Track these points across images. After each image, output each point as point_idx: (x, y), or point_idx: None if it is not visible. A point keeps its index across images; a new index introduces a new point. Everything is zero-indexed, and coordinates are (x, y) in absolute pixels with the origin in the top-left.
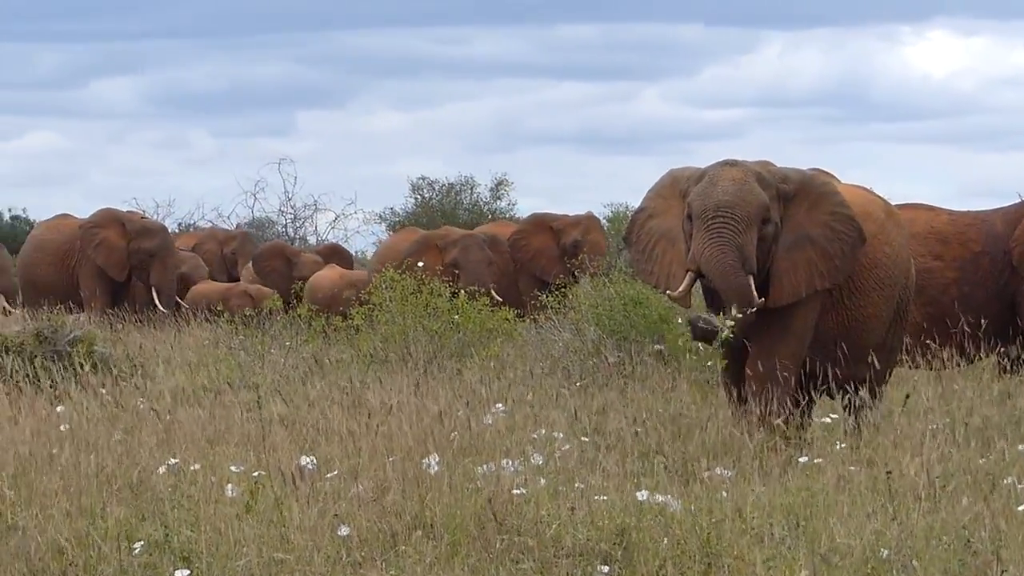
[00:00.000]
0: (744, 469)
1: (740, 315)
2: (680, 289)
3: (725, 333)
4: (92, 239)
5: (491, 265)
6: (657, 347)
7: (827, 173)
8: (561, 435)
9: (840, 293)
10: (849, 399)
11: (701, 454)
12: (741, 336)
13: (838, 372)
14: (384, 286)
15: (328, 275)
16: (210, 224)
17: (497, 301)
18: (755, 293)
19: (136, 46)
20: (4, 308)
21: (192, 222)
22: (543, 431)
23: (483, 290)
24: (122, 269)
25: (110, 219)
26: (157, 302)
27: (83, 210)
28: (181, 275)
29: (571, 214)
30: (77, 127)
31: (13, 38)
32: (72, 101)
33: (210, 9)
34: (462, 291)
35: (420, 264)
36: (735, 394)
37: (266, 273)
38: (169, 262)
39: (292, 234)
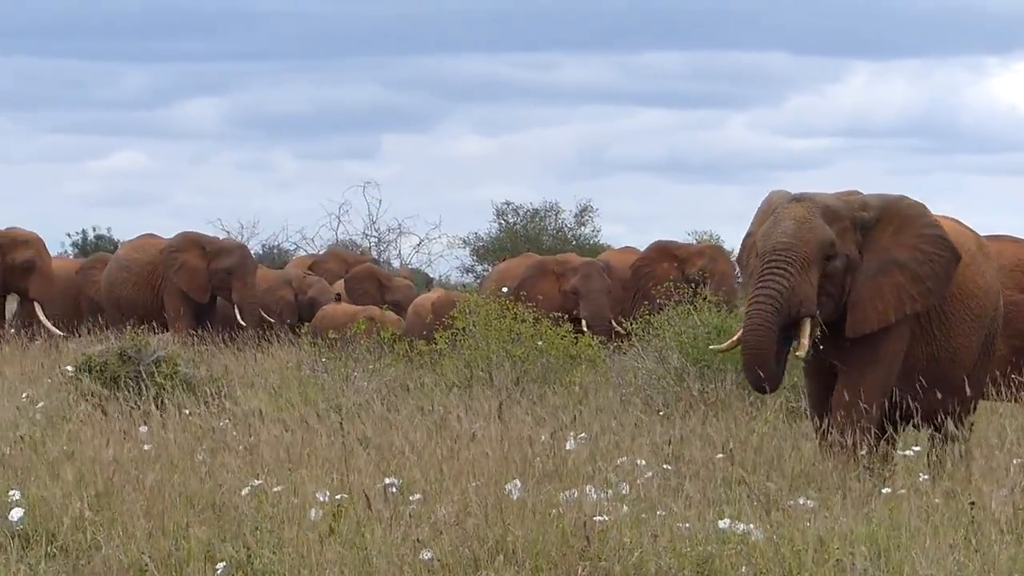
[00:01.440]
0: (827, 499)
1: (804, 352)
2: (731, 341)
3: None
4: (173, 263)
5: (610, 294)
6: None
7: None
8: (643, 462)
9: (930, 324)
10: (934, 431)
11: (784, 483)
12: (827, 365)
13: (924, 404)
14: (468, 311)
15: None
16: (294, 246)
17: (620, 333)
18: (769, 374)
19: (222, 67)
20: (43, 322)
21: (276, 243)
22: (625, 458)
23: (604, 324)
24: (204, 291)
25: (189, 242)
26: (240, 318)
27: (168, 230)
28: (309, 299)
29: (693, 243)
30: (162, 147)
31: (100, 57)
32: (158, 121)
33: (296, 31)
34: (583, 320)
35: (504, 290)
36: (821, 424)
37: (358, 296)
38: (249, 279)
39: (376, 257)
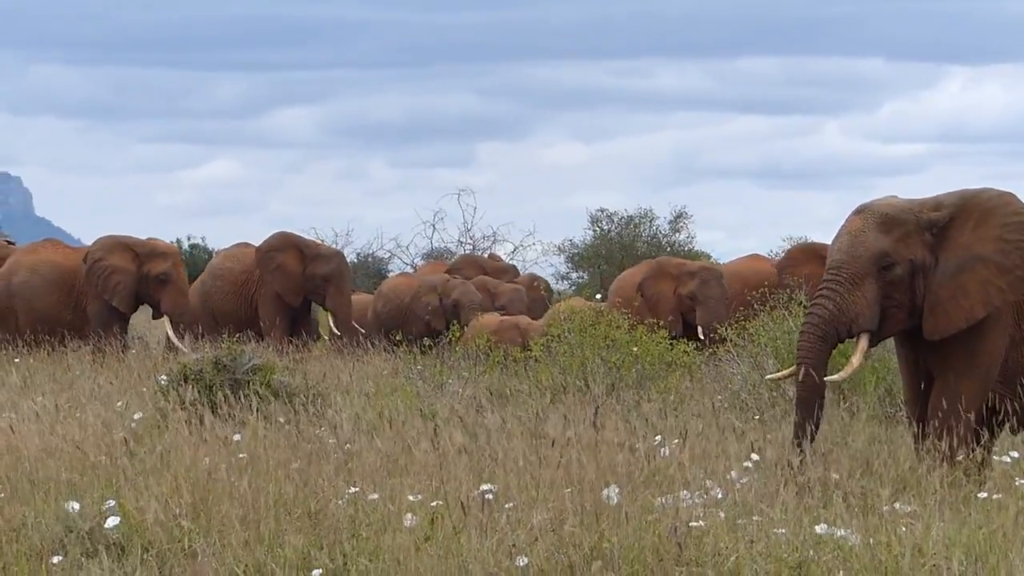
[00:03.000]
0: (925, 504)
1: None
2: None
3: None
4: (270, 263)
5: (727, 301)
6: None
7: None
8: (749, 464)
9: None
10: None
11: (881, 488)
12: (924, 370)
13: (1023, 408)
14: (563, 317)
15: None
16: (388, 255)
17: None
18: (812, 419)
19: (316, 76)
20: (168, 335)
21: (370, 252)
22: (722, 464)
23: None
24: (298, 295)
25: (288, 244)
26: (332, 325)
27: (262, 239)
28: (453, 302)
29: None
30: (257, 156)
31: (195, 67)
32: (253, 131)
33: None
34: (699, 327)
35: (598, 297)
36: (918, 429)
37: None
38: (345, 288)
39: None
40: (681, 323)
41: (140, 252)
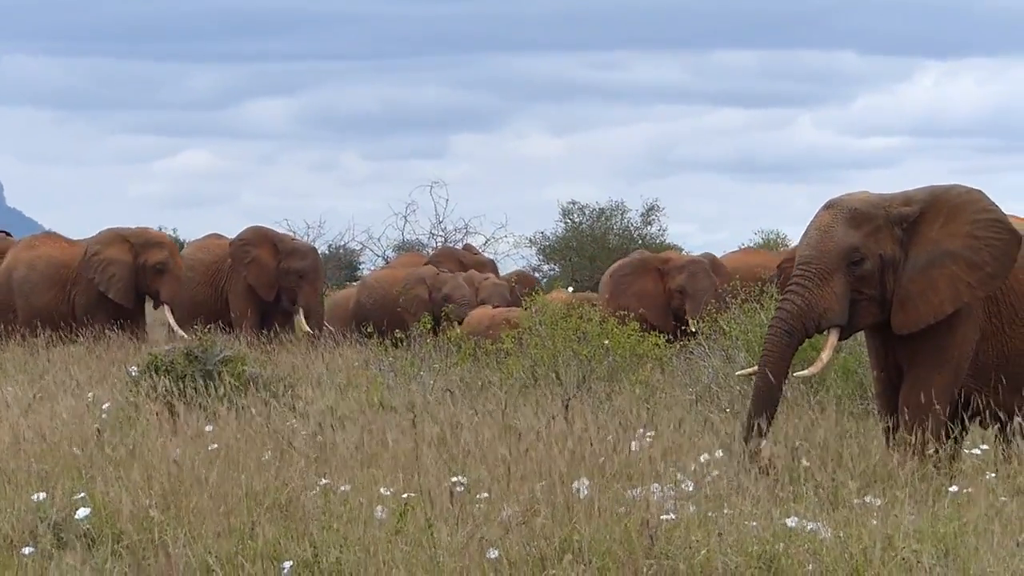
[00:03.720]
0: (895, 497)
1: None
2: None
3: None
4: (244, 256)
5: (717, 293)
6: (802, 373)
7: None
8: (715, 456)
9: (1001, 321)
10: (1000, 428)
11: (852, 481)
12: (894, 364)
13: (993, 401)
14: (534, 310)
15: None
16: (360, 246)
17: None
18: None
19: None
20: (170, 324)
21: (342, 243)
22: (697, 457)
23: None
24: (271, 289)
25: (261, 237)
26: (303, 325)
27: (234, 231)
28: (443, 296)
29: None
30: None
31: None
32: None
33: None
34: (689, 319)
35: (570, 289)
36: (888, 422)
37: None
38: (318, 284)
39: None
40: (671, 318)
41: (136, 243)
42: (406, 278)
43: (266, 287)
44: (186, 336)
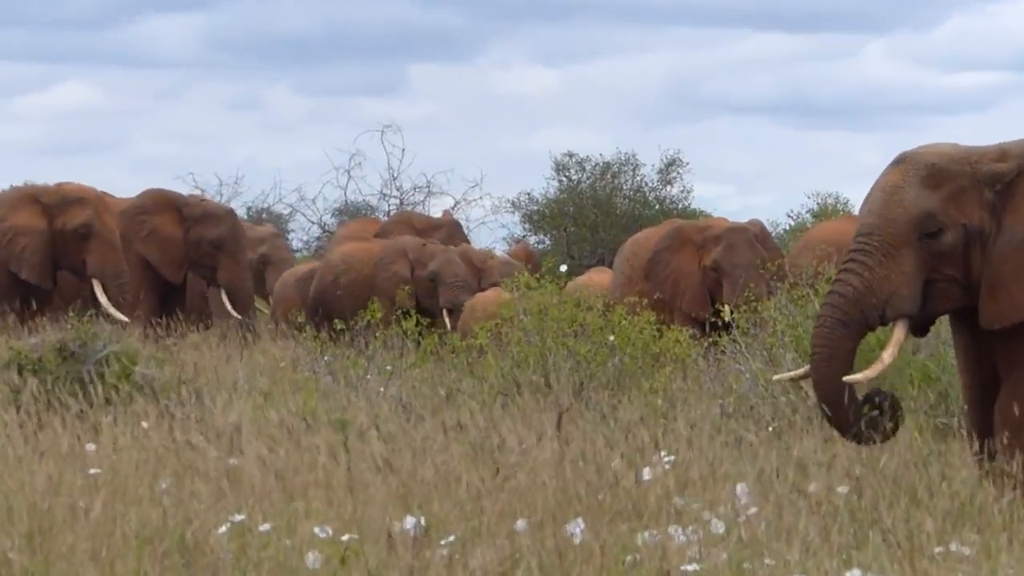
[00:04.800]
0: (988, 542)
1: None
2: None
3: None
4: (139, 229)
5: (761, 270)
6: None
7: None
8: (747, 494)
9: None
10: None
11: (932, 523)
12: (989, 371)
13: None
14: (516, 295)
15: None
16: (289, 209)
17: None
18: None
19: None
20: (102, 303)
21: (266, 206)
22: (724, 489)
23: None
24: (180, 267)
25: (162, 203)
26: (229, 307)
27: (125, 188)
28: (430, 276)
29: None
30: (120, 78)
31: None
32: (114, 44)
33: None
34: (724, 306)
35: (563, 268)
36: (981, 445)
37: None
38: (241, 256)
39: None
40: (709, 304)
41: (48, 203)
42: (383, 252)
43: (172, 265)
44: (127, 320)
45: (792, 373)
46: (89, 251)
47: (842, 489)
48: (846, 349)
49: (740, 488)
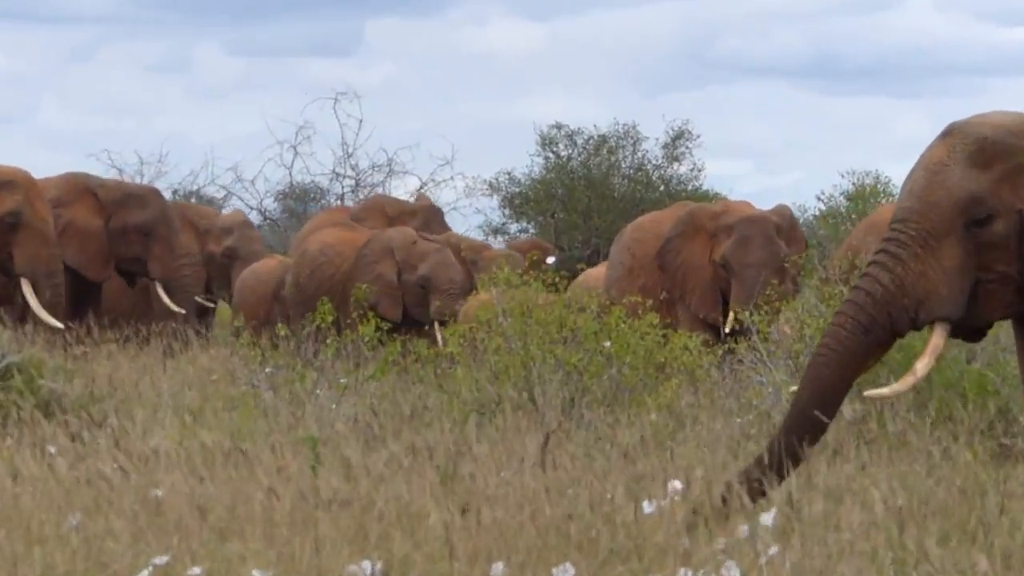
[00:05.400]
0: None
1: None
2: None
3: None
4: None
5: (783, 268)
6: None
7: None
8: (768, 530)
9: None
10: None
11: (988, 563)
12: None
13: None
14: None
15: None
16: (223, 192)
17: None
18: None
19: None
20: (31, 306)
21: (195, 188)
22: (741, 524)
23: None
24: (104, 263)
25: (76, 189)
26: (167, 302)
27: (30, 165)
28: (420, 280)
29: None
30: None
31: None
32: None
33: None
34: (731, 312)
35: (550, 260)
36: None
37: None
38: (174, 241)
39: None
40: (720, 305)
41: None
42: (365, 248)
43: (96, 263)
44: (57, 324)
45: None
46: (17, 244)
47: (882, 524)
48: (858, 358)
49: (761, 522)
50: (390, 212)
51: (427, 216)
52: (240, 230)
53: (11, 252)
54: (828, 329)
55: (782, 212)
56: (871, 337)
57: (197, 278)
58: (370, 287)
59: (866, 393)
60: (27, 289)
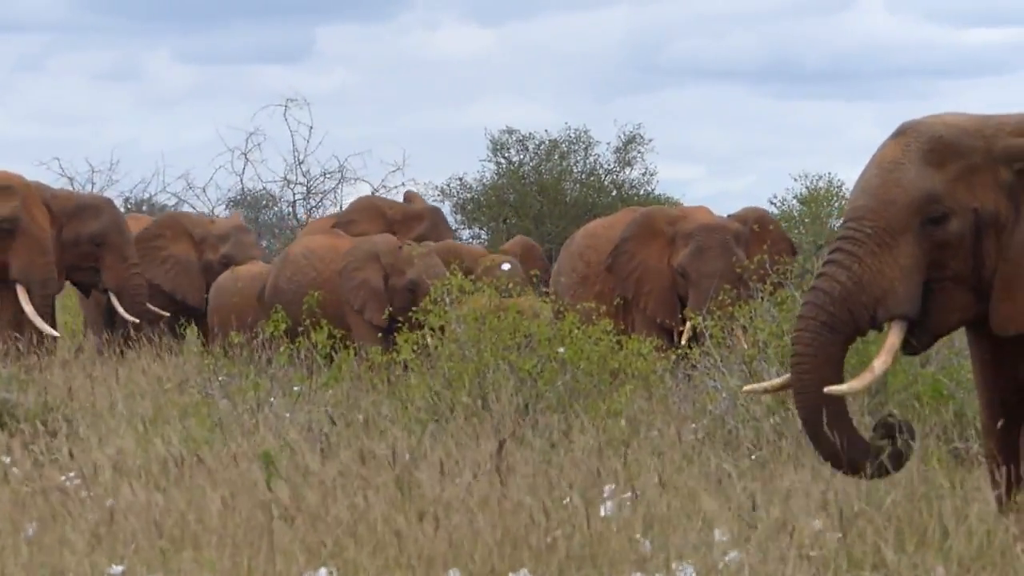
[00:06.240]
0: None
1: None
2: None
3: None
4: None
5: (739, 275)
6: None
7: None
8: (724, 536)
9: None
10: None
11: (944, 569)
12: (1011, 385)
13: None
14: (446, 299)
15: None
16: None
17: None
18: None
19: None
20: (27, 313)
21: (147, 196)
22: (696, 529)
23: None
24: (57, 277)
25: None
26: (121, 311)
27: None
28: (408, 285)
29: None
30: None
31: None
32: None
33: None
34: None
35: (506, 266)
36: (1003, 474)
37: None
38: (128, 250)
39: (304, 216)
40: (678, 310)
41: None
42: (350, 252)
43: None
44: (53, 332)
45: (769, 383)
46: (12, 251)
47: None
48: (835, 356)
49: (717, 529)
50: (390, 214)
51: (434, 221)
52: (235, 236)
53: (6, 258)
54: (795, 334)
55: (746, 217)
56: (837, 335)
57: (144, 287)
58: (355, 293)
59: (826, 389)
60: (22, 296)
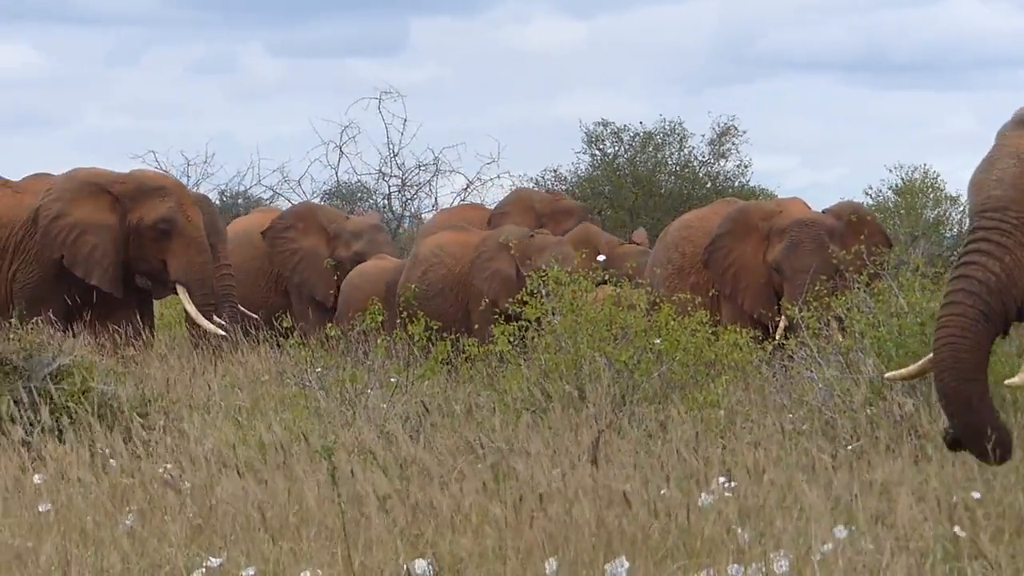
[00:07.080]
0: None
1: None
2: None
3: None
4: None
5: (832, 273)
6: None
7: None
8: (821, 527)
9: None
10: None
11: None
12: None
13: None
14: (542, 291)
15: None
16: (270, 192)
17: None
18: (988, 424)
19: None
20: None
21: (241, 188)
22: (794, 520)
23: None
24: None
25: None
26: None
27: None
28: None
29: None
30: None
31: None
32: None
33: None
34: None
35: (601, 258)
36: None
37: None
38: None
39: (400, 209)
40: (775, 304)
41: (122, 193)
42: (481, 245)
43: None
44: (218, 331)
45: (908, 370)
46: (171, 252)
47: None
48: (986, 346)
49: (813, 520)
50: (540, 208)
51: (581, 216)
52: (369, 234)
53: (165, 260)
54: (945, 319)
55: (841, 211)
56: (991, 326)
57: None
58: (488, 283)
59: (1007, 382)
60: (184, 296)
